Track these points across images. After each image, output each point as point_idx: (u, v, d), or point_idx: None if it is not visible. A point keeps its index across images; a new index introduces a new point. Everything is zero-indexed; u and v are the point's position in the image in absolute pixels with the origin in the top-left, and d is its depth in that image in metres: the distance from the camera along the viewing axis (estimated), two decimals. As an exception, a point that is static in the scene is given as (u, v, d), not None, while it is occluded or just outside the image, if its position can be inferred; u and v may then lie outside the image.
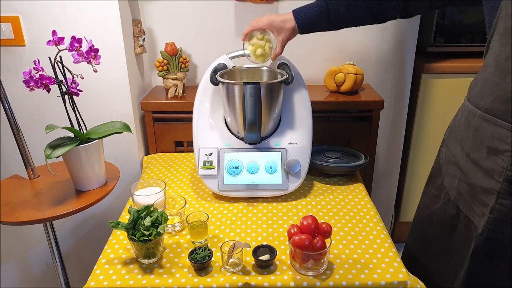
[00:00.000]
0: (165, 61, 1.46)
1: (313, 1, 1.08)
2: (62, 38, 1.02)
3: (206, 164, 1.14)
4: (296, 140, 1.16)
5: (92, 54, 1.04)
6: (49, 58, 1.03)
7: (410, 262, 1.07)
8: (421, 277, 0.92)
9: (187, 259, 0.88)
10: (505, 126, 0.75)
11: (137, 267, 0.89)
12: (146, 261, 0.90)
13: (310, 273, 0.85)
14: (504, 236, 0.80)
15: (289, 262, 0.89)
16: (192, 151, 1.45)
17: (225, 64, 1.18)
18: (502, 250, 0.82)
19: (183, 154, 1.45)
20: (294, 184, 1.13)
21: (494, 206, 0.78)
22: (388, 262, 0.89)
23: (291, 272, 0.86)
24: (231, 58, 1.20)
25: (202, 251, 0.89)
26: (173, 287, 0.83)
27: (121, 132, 1.13)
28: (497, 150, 0.77)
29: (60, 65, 1.05)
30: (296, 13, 1.08)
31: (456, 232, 0.91)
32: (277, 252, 0.89)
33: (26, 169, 1.19)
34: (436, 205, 0.97)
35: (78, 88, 1.09)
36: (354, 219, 1.05)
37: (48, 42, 1.01)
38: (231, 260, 0.87)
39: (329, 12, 1.05)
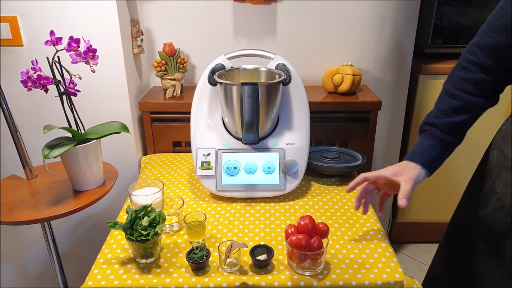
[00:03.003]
0: (163, 62, 1.46)
1: None
2: (60, 38, 1.02)
3: (204, 164, 1.14)
4: (294, 140, 1.16)
5: (90, 55, 1.04)
6: (47, 58, 1.03)
7: (447, 262, 1.04)
8: (461, 279, 0.92)
9: (185, 259, 0.88)
10: None
11: (135, 267, 0.89)
12: (143, 261, 0.90)
13: (307, 273, 0.86)
14: None
15: (286, 262, 0.89)
16: (190, 151, 1.45)
17: (223, 65, 1.19)
18: None
19: (181, 154, 1.45)
20: (292, 184, 1.14)
21: None
22: (385, 262, 0.90)
23: (288, 272, 0.87)
24: (229, 58, 1.20)
25: (199, 251, 0.89)
26: (171, 286, 0.84)
27: (119, 133, 1.13)
28: None
29: (58, 65, 1.05)
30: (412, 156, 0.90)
31: (509, 241, 0.85)
32: (275, 252, 0.90)
33: (24, 169, 1.19)
34: (484, 210, 0.91)
35: (76, 88, 1.09)
36: (351, 219, 1.06)
37: (46, 42, 1.01)
38: (228, 260, 0.87)
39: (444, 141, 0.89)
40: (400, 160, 1.79)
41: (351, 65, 1.51)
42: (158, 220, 0.90)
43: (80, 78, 1.09)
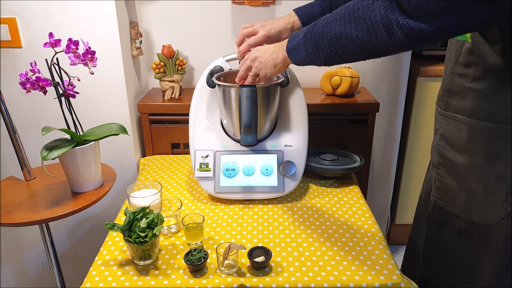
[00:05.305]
0: (162, 63, 1.46)
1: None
2: (59, 40, 1.02)
3: (202, 166, 1.14)
4: (292, 142, 1.17)
5: (88, 56, 1.05)
6: (46, 60, 1.03)
7: (410, 241, 1.18)
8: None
9: (183, 261, 0.89)
10: (439, 111, 0.93)
11: (133, 269, 0.89)
12: (141, 263, 0.90)
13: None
14: (445, 202, 0.92)
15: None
16: (188, 153, 1.45)
17: (222, 67, 1.19)
18: (448, 217, 0.93)
19: (179, 156, 1.45)
20: (290, 186, 1.14)
21: (436, 176, 0.94)
22: (382, 264, 0.90)
23: (286, 273, 0.87)
24: (228, 60, 1.20)
25: (197, 253, 0.89)
26: (169, 288, 0.84)
27: (117, 134, 1.13)
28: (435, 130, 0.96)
29: (56, 67, 1.06)
30: (300, 12, 1.04)
31: (429, 205, 1.02)
32: (272, 254, 0.90)
33: (22, 171, 1.19)
34: (424, 186, 1.09)
35: (74, 90, 1.09)
36: (349, 221, 1.06)
37: (45, 44, 1.01)
38: (226, 261, 0.87)
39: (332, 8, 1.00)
40: (399, 162, 1.80)
41: (349, 67, 1.52)
42: (156, 221, 0.91)
43: (79, 80, 1.09)
